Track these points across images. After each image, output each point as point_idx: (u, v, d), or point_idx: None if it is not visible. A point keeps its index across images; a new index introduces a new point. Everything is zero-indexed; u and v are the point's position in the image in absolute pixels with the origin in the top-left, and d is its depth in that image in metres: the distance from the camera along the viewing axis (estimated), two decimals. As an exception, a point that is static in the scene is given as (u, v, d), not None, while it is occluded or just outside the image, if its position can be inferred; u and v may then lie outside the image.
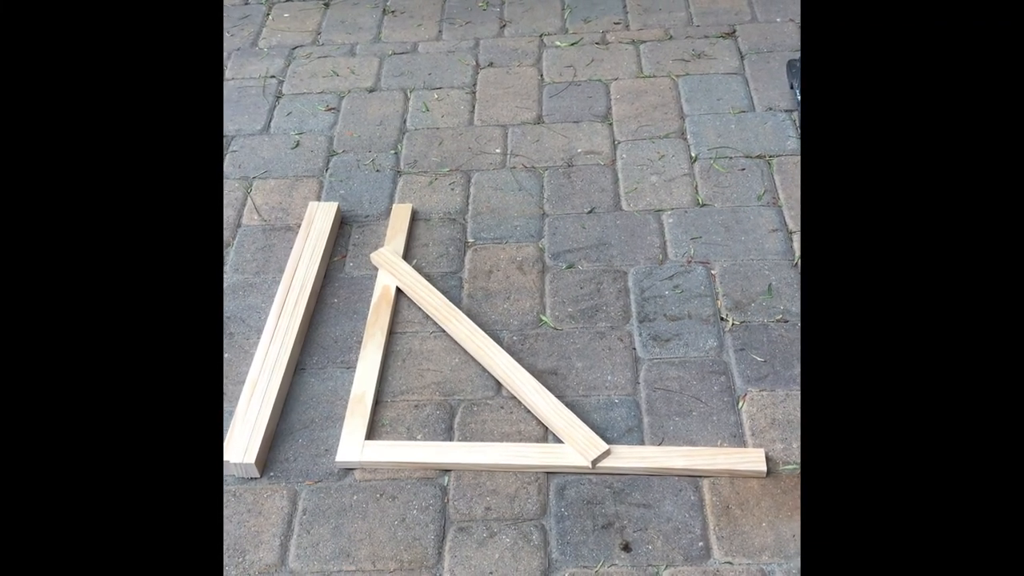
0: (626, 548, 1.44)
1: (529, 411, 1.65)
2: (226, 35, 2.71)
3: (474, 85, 2.45)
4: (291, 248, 2.00)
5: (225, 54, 2.62)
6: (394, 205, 2.09)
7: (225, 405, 1.70)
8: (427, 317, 1.84)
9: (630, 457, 1.54)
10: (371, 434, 1.63)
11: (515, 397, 1.67)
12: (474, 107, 2.38)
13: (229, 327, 1.85)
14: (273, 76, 2.53)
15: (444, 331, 1.80)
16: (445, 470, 1.57)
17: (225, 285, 1.94)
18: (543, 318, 1.82)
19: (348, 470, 1.59)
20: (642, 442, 1.59)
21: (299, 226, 2.06)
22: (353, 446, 1.59)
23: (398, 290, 1.88)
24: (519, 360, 1.72)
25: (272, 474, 1.59)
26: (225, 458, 1.57)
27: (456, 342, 1.78)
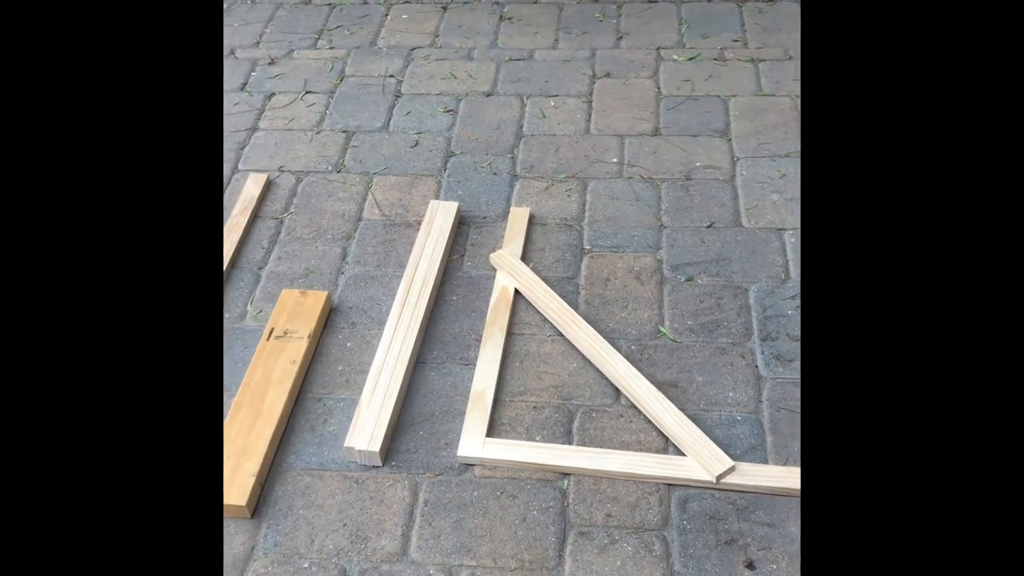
0: (750, 566, 1.43)
1: (649, 421, 1.65)
2: (345, 33, 2.76)
3: (590, 94, 2.47)
4: (411, 244, 2.03)
5: (345, 51, 2.68)
6: (512, 208, 2.11)
7: (348, 393, 1.74)
8: (545, 320, 1.85)
9: (755, 475, 1.53)
10: (491, 431, 1.64)
11: (635, 406, 1.67)
12: (590, 116, 2.39)
13: (351, 317, 1.89)
14: (392, 75, 2.58)
15: (562, 335, 1.81)
16: (565, 474, 1.58)
17: (347, 276, 1.98)
18: (662, 329, 1.82)
19: (468, 465, 1.61)
20: (766, 461, 1.58)
21: (419, 223, 2.09)
22: (474, 442, 1.61)
23: (516, 292, 1.90)
24: (638, 369, 1.72)
25: (393, 464, 1.62)
26: (349, 444, 1.60)
27: (574, 347, 1.79)
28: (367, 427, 1.62)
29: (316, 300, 1.86)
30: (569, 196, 2.15)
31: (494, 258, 1.96)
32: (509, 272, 1.92)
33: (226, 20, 2.85)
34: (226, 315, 1.90)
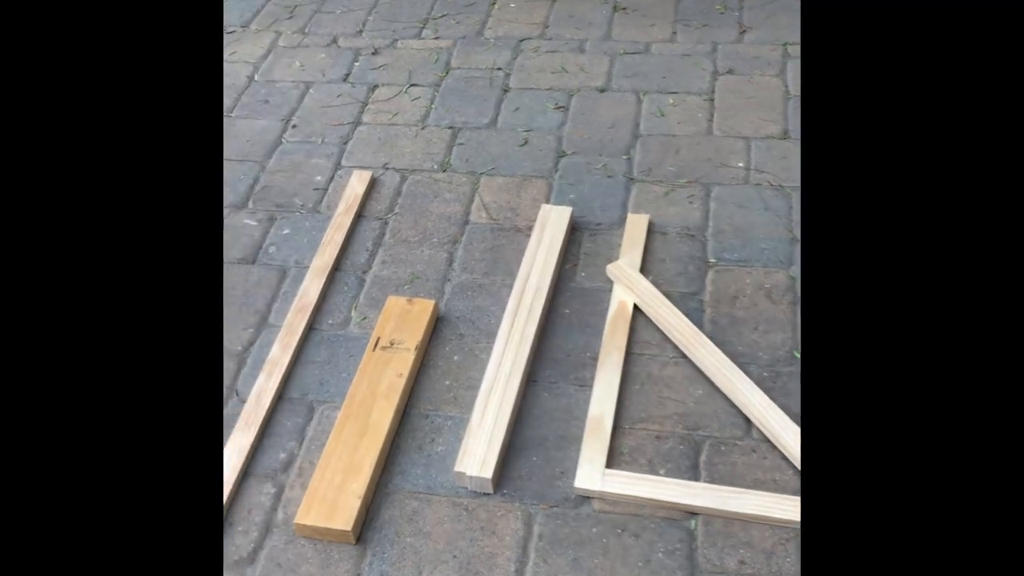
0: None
1: (785, 457, 1.50)
2: (451, 22, 2.66)
3: (712, 92, 2.31)
4: (520, 250, 1.92)
5: (451, 42, 2.58)
6: (629, 215, 1.97)
7: (456, 411, 1.64)
8: (666, 339, 1.72)
9: (910, 528, 1.37)
10: (610, 462, 1.52)
11: (768, 440, 1.53)
12: (712, 115, 2.24)
13: (459, 328, 1.79)
14: (500, 68, 2.46)
15: (686, 357, 1.68)
16: (692, 513, 1.45)
17: (454, 284, 1.88)
18: (797, 355, 1.67)
19: (586, 498, 1.49)
20: (919, 511, 1.42)
21: (528, 228, 1.97)
22: (593, 473, 1.49)
23: (635, 307, 1.77)
24: (771, 399, 1.57)
25: (505, 491, 1.51)
26: (460, 469, 1.50)
27: (700, 371, 1.65)
28: (478, 451, 1.52)
29: (423, 309, 1.77)
30: (691, 203, 2.01)
31: (611, 269, 1.84)
32: (627, 285, 1.79)
33: (328, 7, 2.77)
34: (329, 321, 1.82)
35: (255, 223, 2.06)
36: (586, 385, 1.66)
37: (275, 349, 1.75)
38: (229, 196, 2.13)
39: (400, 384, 1.64)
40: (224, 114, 2.38)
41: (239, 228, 2.04)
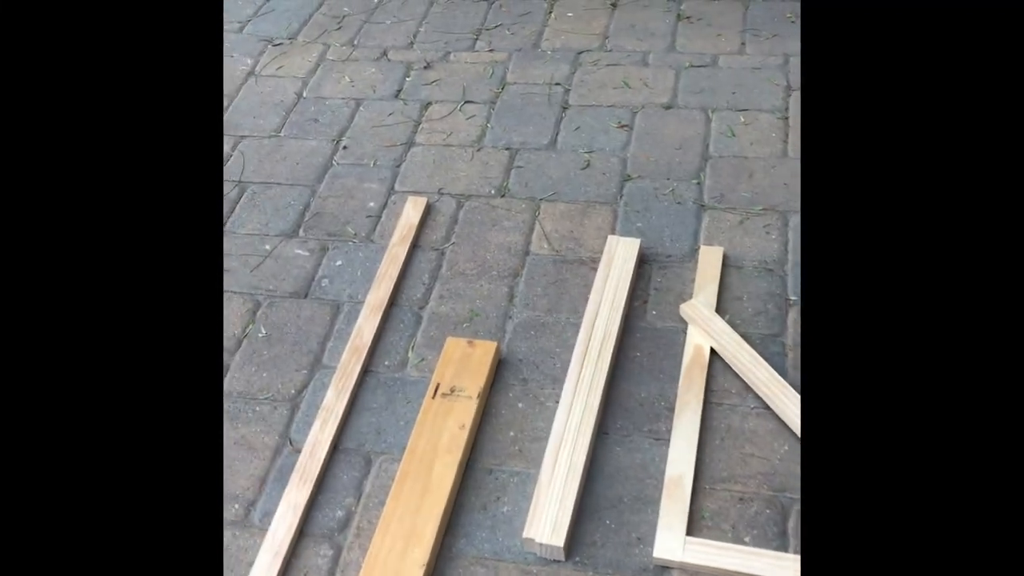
0: None
1: (883, 528, 1.38)
2: (506, 33, 2.55)
3: (786, 109, 2.17)
4: (586, 285, 1.81)
5: (506, 55, 2.46)
6: (702, 247, 1.85)
7: (521, 466, 1.54)
8: (747, 388, 1.60)
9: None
10: (690, 528, 1.41)
11: (864, 506, 1.41)
12: (787, 135, 2.10)
13: (522, 372, 1.68)
14: (558, 83, 2.34)
15: (769, 408, 1.56)
16: (783, 588, 1.34)
17: (515, 322, 1.77)
18: (891, 408, 1.54)
19: (665, 568, 1.38)
20: (1037, 593, 1.29)
21: (593, 260, 1.86)
22: (673, 542, 1.38)
23: (712, 351, 1.65)
24: (865, 458, 1.45)
25: (578, 559, 1.41)
26: (529, 535, 1.40)
27: (785, 424, 1.53)
28: (549, 515, 1.42)
29: (485, 352, 1.67)
30: (768, 233, 1.88)
31: (685, 309, 1.72)
32: (703, 327, 1.67)
33: (378, 17, 2.68)
34: (385, 363, 1.73)
35: (307, 253, 1.97)
36: (662, 439, 1.55)
37: (329, 395, 1.66)
38: (280, 224, 2.04)
39: (463, 437, 1.54)
40: (273, 134, 2.30)
41: (290, 259, 1.96)
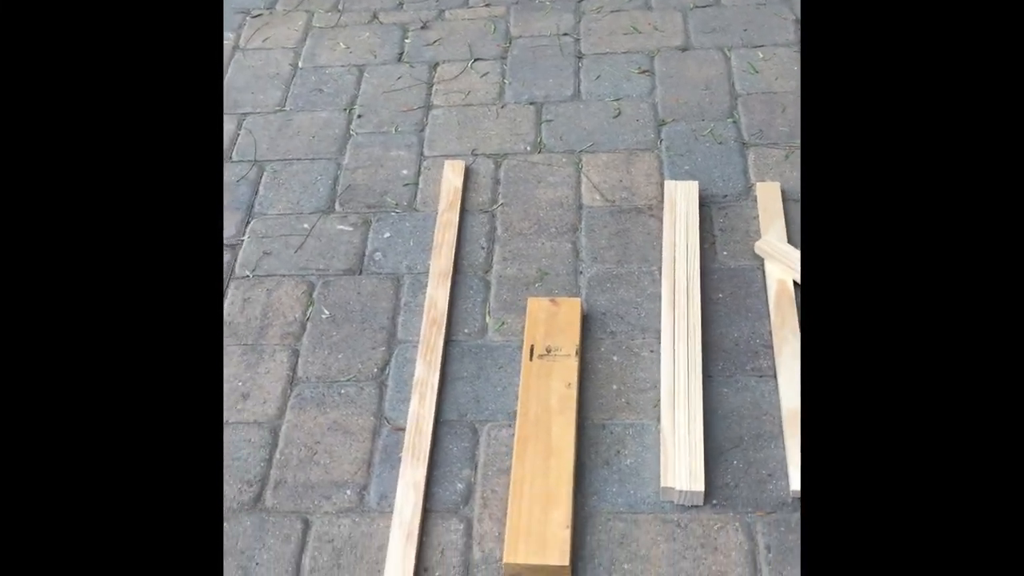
0: None
1: (1002, 435, 1.43)
2: (497, -13, 2.48)
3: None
4: (649, 233, 1.80)
5: (503, 8, 2.40)
6: (757, 184, 1.86)
7: (633, 417, 1.53)
8: (837, 317, 1.62)
9: None
10: (819, 457, 1.43)
11: (978, 417, 1.46)
12: (809, 68, 2.12)
13: (608, 325, 1.67)
14: (566, 34, 2.30)
15: (862, 334, 1.59)
16: (923, 504, 1.37)
17: (587, 277, 1.75)
18: (979, 321, 1.59)
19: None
20: None
21: (649, 207, 1.85)
22: (808, 473, 1.40)
23: (796, 284, 1.67)
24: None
25: (715, 502, 1.41)
26: (668, 484, 1.40)
27: (882, 348, 1.56)
28: (682, 462, 1.42)
29: (571, 308, 1.64)
30: (816, 165, 1.90)
31: (761, 246, 1.73)
32: (784, 262, 1.69)
33: (353, -20, 2.57)
34: (465, 331, 1.68)
35: (350, 228, 1.89)
36: (766, 376, 1.56)
37: (419, 368, 1.61)
38: (312, 201, 1.95)
39: (572, 396, 1.52)
40: (278, 109, 2.19)
41: (334, 235, 1.88)
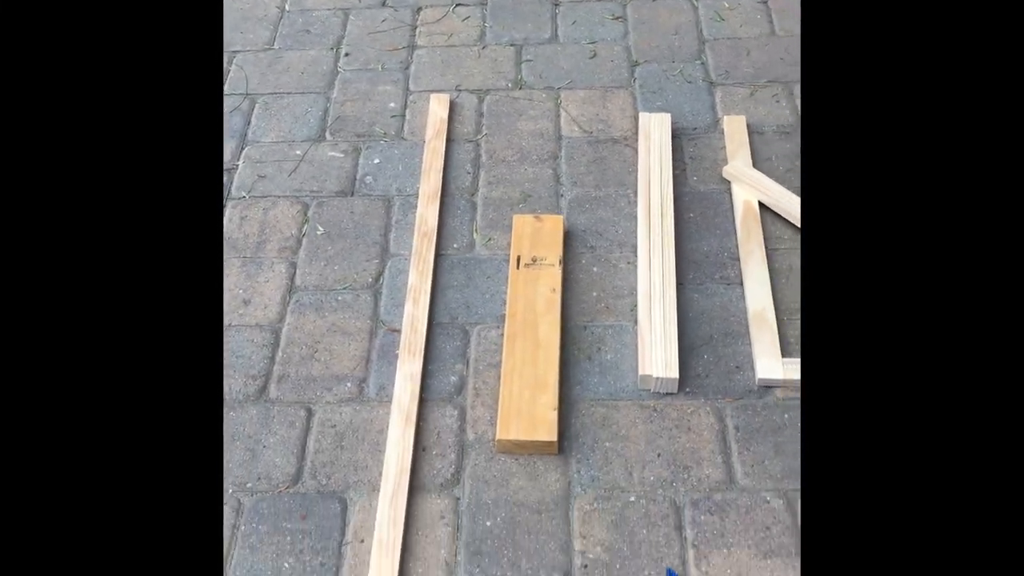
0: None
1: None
2: (476, -60, 2.58)
3: (765, -6, 2.34)
4: (624, 161, 1.93)
5: (482, -41, 2.51)
6: (725, 117, 2.00)
7: (612, 319, 1.65)
8: (799, 232, 1.76)
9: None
10: (783, 352, 1.57)
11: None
12: (771, 17, 2.26)
13: (588, 241, 1.79)
14: (544, -17, 2.42)
15: (820, 248, 1.73)
16: (874, 389, 1.52)
17: (568, 199, 1.87)
18: (925, 236, 1.74)
19: (767, 388, 1.54)
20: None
21: (625, 138, 1.98)
22: (773, 364, 1.54)
23: (761, 205, 1.80)
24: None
25: (688, 390, 1.54)
26: (646, 372, 1.52)
27: (838, 259, 1.71)
28: (658, 353, 1.54)
29: (554, 224, 1.76)
30: (778, 102, 2.04)
31: (728, 170, 1.86)
32: (750, 183, 1.82)
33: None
34: (454, 245, 1.79)
35: (341, 154, 1.99)
36: (733, 283, 1.69)
37: (412, 276, 1.71)
38: (303, 130, 2.05)
39: (556, 299, 1.64)
40: (267, 47, 2.27)
41: (326, 161, 1.97)
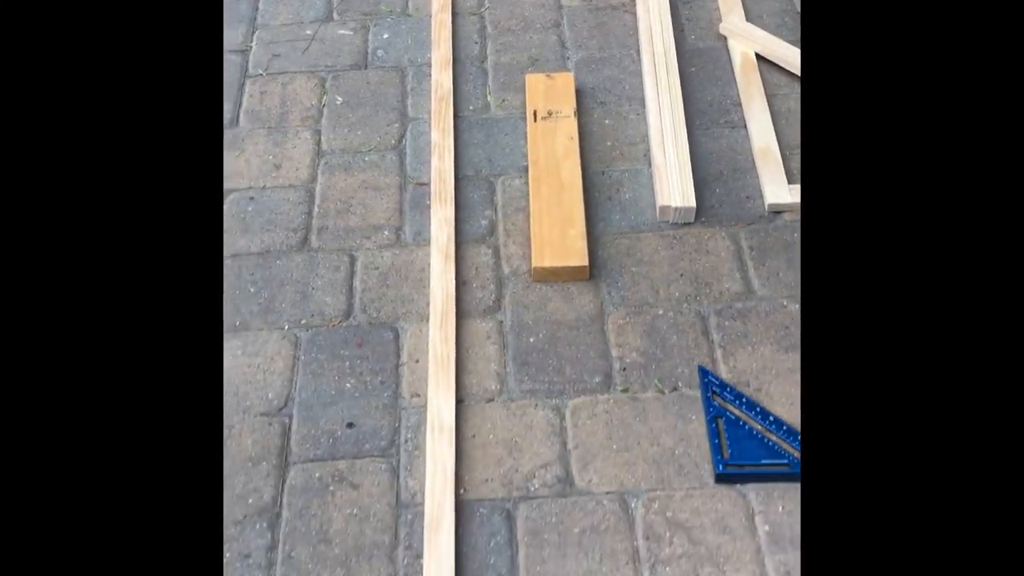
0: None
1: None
2: None
3: None
4: (625, 25, 2.02)
5: None
6: (717, -20, 2.09)
7: (627, 164, 1.76)
8: (795, 78, 1.88)
9: None
10: (789, 181, 1.70)
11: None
12: None
13: (598, 96, 1.88)
14: None
15: (815, 92, 1.85)
16: (874, 208, 1.65)
17: (574, 61, 1.96)
18: (912, 76, 1.87)
19: (776, 213, 1.66)
20: None
21: (622, 4, 2.06)
22: (780, 190, 1.66)
23: (758, 56, 1.91)
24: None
25: (703, 220, 1.66)
26: (665, 203, 1.64)
27: (833, 100, 1.83)
28: (674, 185, 1.66)
29: (565, 80, 1.85)
30: (766, -34, 2.14)
31: (725, 26, 1.96)
32: (746, 36, 1.93)
33: None
34: (470, 107, 1.88)
35: (350, 32, 2.05)
36: (738, 126, 1.81)
37: (434, 135, 1.80)
38: (311, 11, 2.10)
39: (575, 146, 1.74)
40: (263, -63, 2.30)
41: (336, 39, 2.04)
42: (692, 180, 1.67)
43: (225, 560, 1.28)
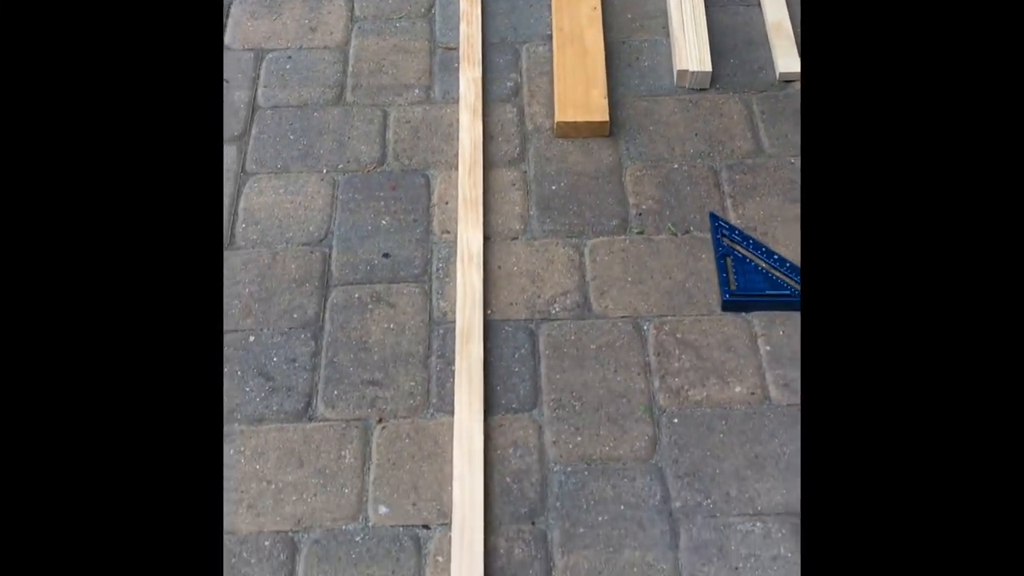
0: None
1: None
2: None
3: None
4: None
5: None
6: None
7: (647, 35, 1.85)
8: (808, -37, 1.96)
9: None
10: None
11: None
12: None
13: (620, -26, 1.97)
14: None
15: (828, -25, 1.93)
16: (879, 79, 1.75)
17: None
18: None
19: (787, 82, 1.76)
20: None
21: None
22: (791, 61, 1.76)
23: (774, -59, 1.99)
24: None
25: (718, 86, 1.76)
26: (683, 67, 1.73)
27: (845, -17, 1.91)
28: (692, 51, 1.75)
29: (589, -43, 1.93)
30: None
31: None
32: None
33: None
34: (496, -17, 1.96)
35: (381, -90, 2.12)
36: (752, 5, 1.89)
37: (462, 3, 1.88)
38: None
39: (597, 16, 1.83)
40: None
41: (367, -85, 2.10)
42: (708, 48, 1.76)
43: (272, 364, 1.41)
